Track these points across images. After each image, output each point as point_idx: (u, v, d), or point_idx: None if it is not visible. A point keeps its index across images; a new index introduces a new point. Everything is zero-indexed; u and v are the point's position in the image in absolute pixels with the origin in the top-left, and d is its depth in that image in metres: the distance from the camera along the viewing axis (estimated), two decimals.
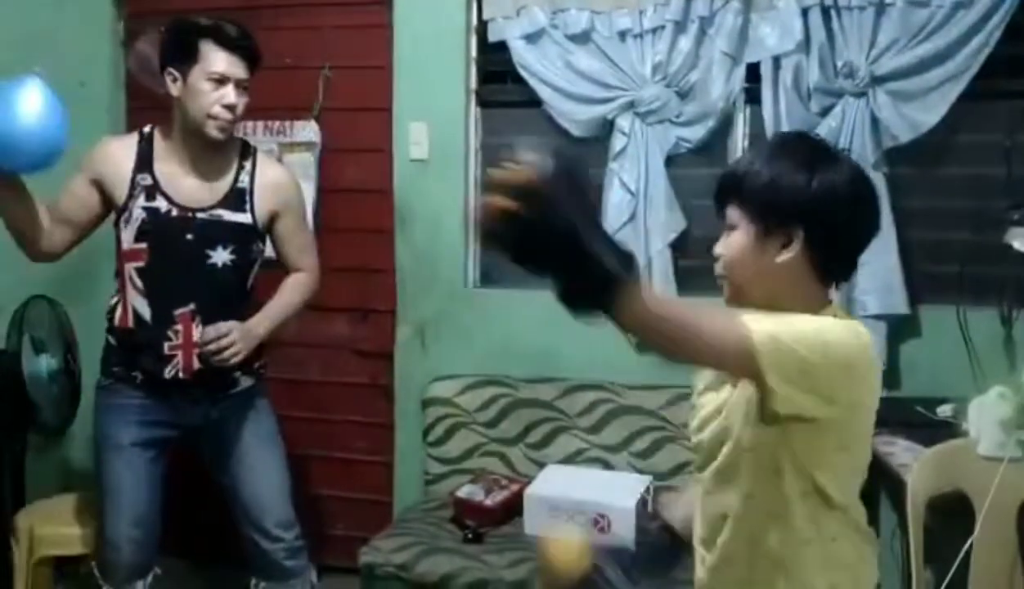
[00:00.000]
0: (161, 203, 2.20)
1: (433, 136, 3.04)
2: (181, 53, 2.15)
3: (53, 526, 2.75)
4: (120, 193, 2.21)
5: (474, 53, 3.06)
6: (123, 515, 2.28)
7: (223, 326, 2.20)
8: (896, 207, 2.72)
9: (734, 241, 1.31)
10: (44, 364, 2.83)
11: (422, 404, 3.04)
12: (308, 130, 3.11)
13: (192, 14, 2.25)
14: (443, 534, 2.65)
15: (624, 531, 2.53)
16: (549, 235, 1.03)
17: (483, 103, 3.10)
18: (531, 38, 2.92)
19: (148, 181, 2.20)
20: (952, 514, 2.01)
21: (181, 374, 2.23)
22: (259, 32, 3.22)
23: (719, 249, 1.34)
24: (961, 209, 2.75)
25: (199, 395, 2.28)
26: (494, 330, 3.05)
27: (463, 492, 2.76)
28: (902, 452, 2.24)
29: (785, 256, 1.28)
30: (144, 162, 2.21)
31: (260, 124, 3.12)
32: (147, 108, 3.27)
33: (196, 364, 2.23)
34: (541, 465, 2.87)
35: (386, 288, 3.13)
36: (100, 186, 2.22)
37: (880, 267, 2.70)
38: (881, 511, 2.38)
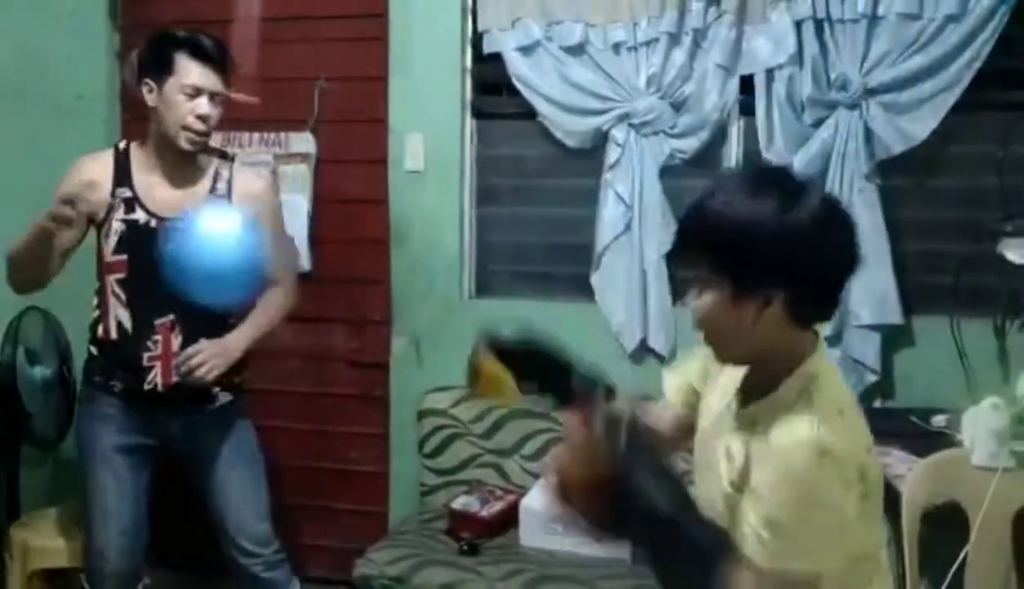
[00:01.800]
0: (140, 214, 2.22)
1: (429, 147, 3.05)
2: (157, 64, 2.18)
3: (47, 539, 2.74)
4: (100, 209, 2.23)
5: (469, 65, 3.07)
6: (108, 523, 2.29)
7: (195, 347, 2.21)
8: (889, 218, 2.73)
9: (707, 303, 1.22)
10: (38, 375, 2.83)
11: (417, 415, 3.04)
12: (304, 141, 3.12)
13: (178, 26, 2.27)
14: (438, 546, 2.64)
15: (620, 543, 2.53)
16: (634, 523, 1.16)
17: (478, 114, 3.11)
18: (526, 50, 2.93)
19: (127, 194, 2.23)
20: (947, 525, 2.01)
21: (160, 387, 2.24)
22: (255, 44, 3.25)
23: (691, 305, 1.25)
24: (954, 220, 2.76)
25: (177, 408, 2.29)
26: None
27: (458, 504, 2.76)
28: (896, 463, 2.24)
29: (764, 316, 1.19)
30: (122, 175, 2.23)
31: (256, 135, 3.13)
32: (143, 119, 3.28)
33: (174, 377, 2.23)
34: (536, 476, 2.86)
35: (381, 299, 3.13)
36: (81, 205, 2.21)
37: (874, 278, 2.71)
38: None
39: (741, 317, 1.20)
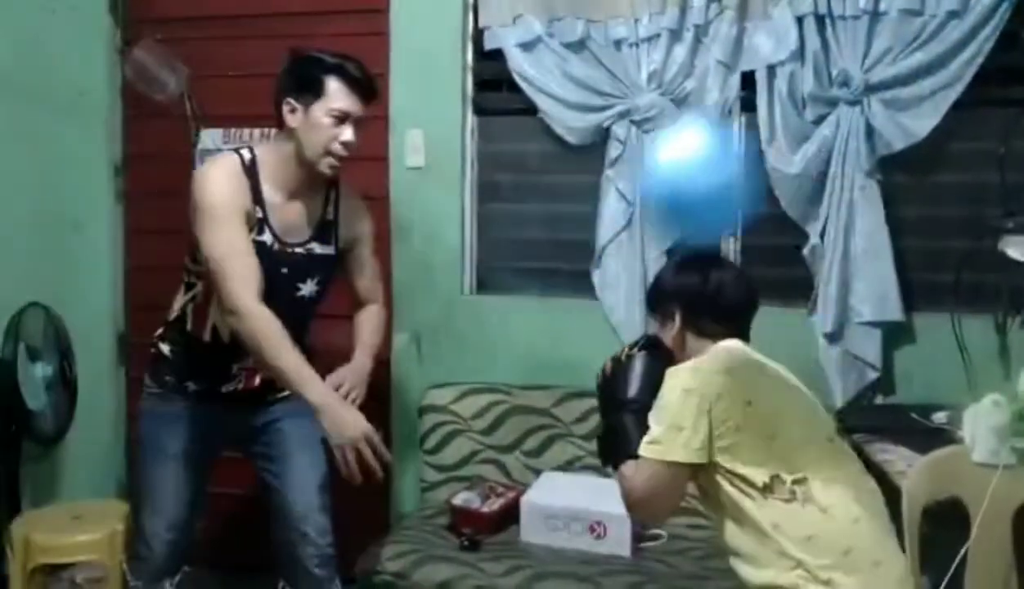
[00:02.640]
0: (267, 237, 2.15)
1: (430, 144, 3.05)
2: (304, 86, 2.11)
3: (48, 534, 2.74)
4: (248, 225, 2.13)
5: (471, 61, 3.07)
6: (162, 518, 2.28)
7: (338, 376, 2.25)
8: (891, 215, 2.73)
9: (656, 329, 1.95)
10: (39, 372, 2.83)
11: (418, 411, 3.04)
12: None
13: (314, 49, 2.16)
14: (439, 542, 2.64)
15: (620, 538, 2.53)
16: (606, 399, 1.92)
17: (480, 111, 3.11)
18: (527, 46, 2.93)
19: (260, 214, 2.14)
20: (948, 521, 2.01)
21: (239, 389, 2.25)
22: (256, 40, 3.24)
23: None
24: (956, 217, 2.76)
25: (252, 405, 2.30)
26: (490, 338, 3.05)
27: (459, 499, 2.76)
28: (898, 459, 2.25)
29: (674, 330, 1.88)
30: (255, 193, 2.14)
31: (257, 131, 3.13)
32: (144, 116, 3.29)
33: (256, 384, 2.25)
34: (537, 472, 2.87)
35: (383, 295, 3.12)
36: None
37: (875, 275, 2.71)
38: None
39: (668, 334, 1.90)
